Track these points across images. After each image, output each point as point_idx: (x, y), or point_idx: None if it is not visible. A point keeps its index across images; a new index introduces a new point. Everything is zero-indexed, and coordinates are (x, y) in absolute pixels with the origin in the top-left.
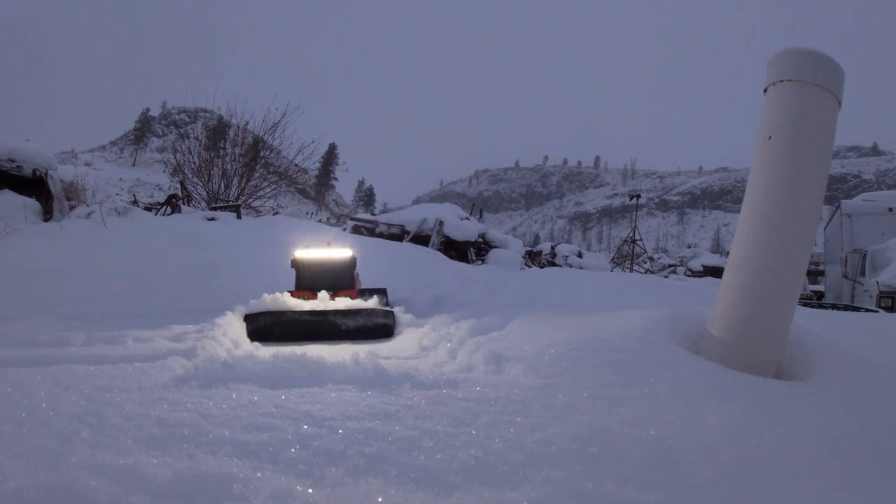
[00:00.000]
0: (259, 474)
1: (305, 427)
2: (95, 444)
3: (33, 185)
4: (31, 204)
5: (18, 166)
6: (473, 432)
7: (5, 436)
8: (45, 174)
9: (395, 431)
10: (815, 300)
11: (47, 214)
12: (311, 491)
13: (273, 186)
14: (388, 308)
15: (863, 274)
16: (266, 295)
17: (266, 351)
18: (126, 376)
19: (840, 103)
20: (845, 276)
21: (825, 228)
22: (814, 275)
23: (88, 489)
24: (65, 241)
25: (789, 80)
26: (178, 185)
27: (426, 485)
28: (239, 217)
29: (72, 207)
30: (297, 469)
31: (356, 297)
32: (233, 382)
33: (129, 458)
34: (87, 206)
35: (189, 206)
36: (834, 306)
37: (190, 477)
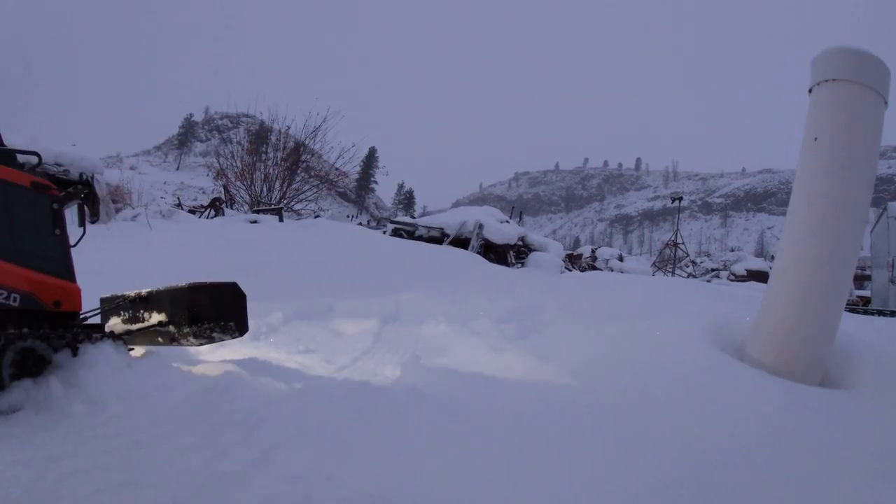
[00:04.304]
0: None
1: None
2: None
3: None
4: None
5: (65, 170)
6: None
7: None
8: (92, 178)
9: None
10: (861, 306)
11: (94, 217)
12: None
13: (314, 190)
14: None
15: None
16: None
17: None
18: None
19: (886, 102)
20: (892, 282)
21: (871, 231)
22: (860, 279)
23: None
24: (111, 242)
25: (834, 80)
26: (222, 189)
27: None
28: (281, 220)
29: (118, 210)
30: None
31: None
32: None
33: None
34: (133, 208)
35: (232, 209)
36: (880, 312)
37: None
